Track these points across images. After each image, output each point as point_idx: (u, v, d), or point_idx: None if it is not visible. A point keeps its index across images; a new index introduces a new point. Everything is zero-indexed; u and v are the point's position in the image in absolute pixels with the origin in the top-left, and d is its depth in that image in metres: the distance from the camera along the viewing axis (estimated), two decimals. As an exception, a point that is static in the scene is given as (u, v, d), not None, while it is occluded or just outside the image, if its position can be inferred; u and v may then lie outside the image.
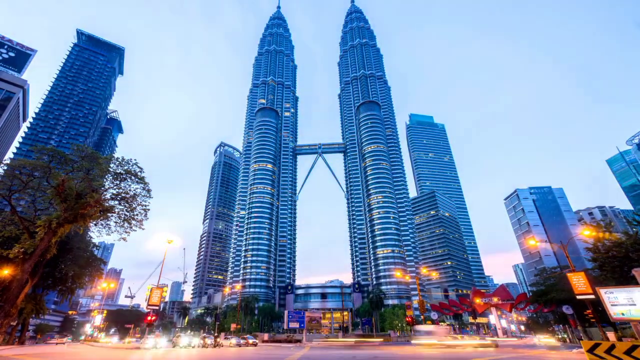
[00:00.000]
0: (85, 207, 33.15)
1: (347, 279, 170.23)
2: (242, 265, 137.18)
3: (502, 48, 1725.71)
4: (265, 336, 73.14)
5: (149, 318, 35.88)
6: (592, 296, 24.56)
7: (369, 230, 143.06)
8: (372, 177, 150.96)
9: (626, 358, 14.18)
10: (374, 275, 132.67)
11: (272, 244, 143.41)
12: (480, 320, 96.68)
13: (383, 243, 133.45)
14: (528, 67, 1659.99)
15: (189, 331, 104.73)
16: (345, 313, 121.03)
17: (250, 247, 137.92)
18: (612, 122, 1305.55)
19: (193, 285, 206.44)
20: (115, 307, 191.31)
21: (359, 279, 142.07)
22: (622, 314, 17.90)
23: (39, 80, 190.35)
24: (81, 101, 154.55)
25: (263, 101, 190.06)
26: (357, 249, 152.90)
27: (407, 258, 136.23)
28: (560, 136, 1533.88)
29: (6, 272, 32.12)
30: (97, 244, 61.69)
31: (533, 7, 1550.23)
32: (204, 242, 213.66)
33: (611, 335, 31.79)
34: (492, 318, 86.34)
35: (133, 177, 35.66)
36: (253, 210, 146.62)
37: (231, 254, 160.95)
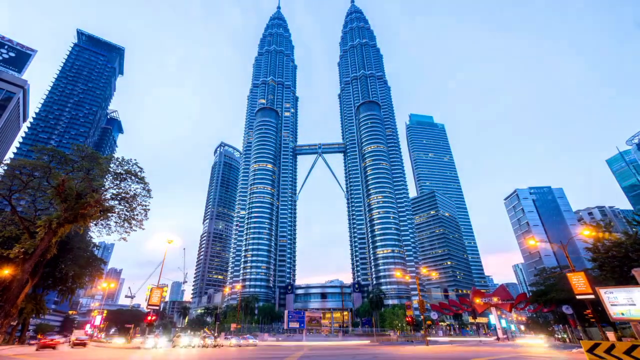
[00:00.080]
0: (85, 207, 33.16)
1: (347, 279, 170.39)
2: (242, 265, 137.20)
3: (502, 48, 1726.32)
4: (266, 336, 73.23)
5: (149, 318, 35.91)
6: (592, 296, 24.58)
7: (369, 230, 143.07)
8: (372, 177, 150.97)
9: (626, 358, 14.20)
10: (374, 275, 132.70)
11: (272, 244, 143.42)
12: (480, 320, 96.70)
13: (383, 243, 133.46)
14: (528, 67, 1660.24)
15: (189, 331, 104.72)
16: (345, 313, 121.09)
17: (250, 247, 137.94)
18: (612, 122, 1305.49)
19: (193, 285, 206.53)
20: (116, 307, 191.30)
21: (359, 279, 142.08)
22: (622, 314, 17.92)
23: (39, 80, 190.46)
24: (81, 101, 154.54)
25: (263, 101, 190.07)
26: (357, 248, 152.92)
27: (407, 258, 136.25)
28: (560, 136, 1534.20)
29: (6, 272, 32.14)
30: (97, 244, 61.71)
31: (533, 8, 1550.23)
32: (204, 242, 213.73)
33: (611, 335, 31.81)
34: (492, 318, 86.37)
35: (133, 177, 35.68)
36: (253, 210, 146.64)
37: (231, 254, 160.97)
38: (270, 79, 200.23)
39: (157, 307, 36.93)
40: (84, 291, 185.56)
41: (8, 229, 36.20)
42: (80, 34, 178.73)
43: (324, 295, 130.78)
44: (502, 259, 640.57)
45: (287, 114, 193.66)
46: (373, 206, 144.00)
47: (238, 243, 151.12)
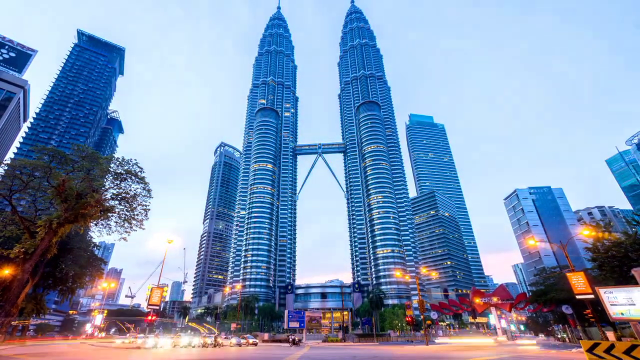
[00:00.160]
0: (85, 207, 33.21)
1: (347, 278, 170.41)
2: (242, 265, 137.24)
3: (502, 48, 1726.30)
4: (266, 336, 73.25)
5: (149, 318, 35.94)
6: (592, 296, 24.61)
7: (368, 230, 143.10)
8: (372, 177, 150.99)
9: (625, 358, 14.22)
10: (373, 275, 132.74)
11: (272, 244, 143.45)
12: (480, 320, 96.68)
13: (383, 243, 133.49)
14: (528, 68, 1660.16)
15: (189, 331, 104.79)
16: (345, 313, 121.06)
17: (250, 247, 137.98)
18: (612, 122, 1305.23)
19: (193, 285, 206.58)
20: (116, 306, 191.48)
21: (359, 278, 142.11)
22: (622, 314, 17.93)
23: (39, 80, 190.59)
24: (82, 101, 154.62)
25: (263, 101, 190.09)
26: (357, 248, 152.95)
27: (406, 258, 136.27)
28: (560, 136, 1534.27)
29: (7, 271, 32.19)
30: (97, 243, 61.80)
31: (533, 8, 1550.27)
32: (204, 242, 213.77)
33: (610, 335, 31.84)
34: (492, 318, 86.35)
35: (133, 177, 35.75)
36: (253, 210, 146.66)
37: (231, 253, 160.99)
38: (270, 79, 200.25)
39: (158, 307, 36.96)
40: (84, 291, 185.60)
41: (8, 229, 36.26)
42: (80, 34, 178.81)
43: (324, 295, 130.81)
44: (501, 259, 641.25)
45: (287, 114, 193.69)
46: (373, 206, 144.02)
47: (238, 243, 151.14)
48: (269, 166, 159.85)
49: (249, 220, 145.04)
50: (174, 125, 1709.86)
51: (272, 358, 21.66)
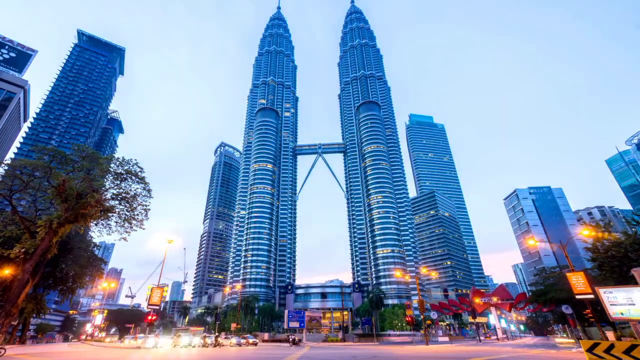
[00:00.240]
0: (85, 207, 33.18)
1: (347, 278, 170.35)
2: (242, 265, 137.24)
3: (502, 48, 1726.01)
4: (266, 336, 73.33)
5: (149, 318, 35.95)
6: (592, 296, 24.63)
7: (368, 230, 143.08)
8: (372, 177, 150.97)
9: (625, 357, 14.23)
10: (373, 275, 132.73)
11: (272, 244, 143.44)
12: (479, 319, 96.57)
13: (383, 243, 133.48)
14: (528, 68, 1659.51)
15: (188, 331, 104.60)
16: (345, 313, 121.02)
17: (250, 247, 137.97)
18: (612, 123, 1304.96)
19: (193, 285, 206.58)
20: (116, 306, 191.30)
21: (359, 278, 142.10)
22: (621, 314, 17.92)
23: (39, 80, 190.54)
24: (82, 101, 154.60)
25: (263, 101, 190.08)
26: (357, 248, 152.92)
27: (406, 258, 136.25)
28: (559, 136, 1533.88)
29: (7, 271, 32.21)
30: (97, 243, 61.80)
31: (533, 8, 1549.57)
32: (204, 242, 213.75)
33: (610, 335, 31.87)
34: (492, 318, 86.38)
35: (133, 177, 35.69)
36: (253, 210, 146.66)
37: (231, 253, 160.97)
38: (270, 79, 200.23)
39: (158, 307, 36.96)
40: (85, 291, 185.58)
41: (9, 229, 36.29)
42: (80, 34, 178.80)
43: (324, 295, 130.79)
44: (501, 259, 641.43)
45: (287, 114, 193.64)
46: (373, 206, 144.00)
47: (238, 243, 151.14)
48: (269, 166, 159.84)
49: (249, 220, 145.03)
50: (174, 126, 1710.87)
51: (272, 358, 21.68)
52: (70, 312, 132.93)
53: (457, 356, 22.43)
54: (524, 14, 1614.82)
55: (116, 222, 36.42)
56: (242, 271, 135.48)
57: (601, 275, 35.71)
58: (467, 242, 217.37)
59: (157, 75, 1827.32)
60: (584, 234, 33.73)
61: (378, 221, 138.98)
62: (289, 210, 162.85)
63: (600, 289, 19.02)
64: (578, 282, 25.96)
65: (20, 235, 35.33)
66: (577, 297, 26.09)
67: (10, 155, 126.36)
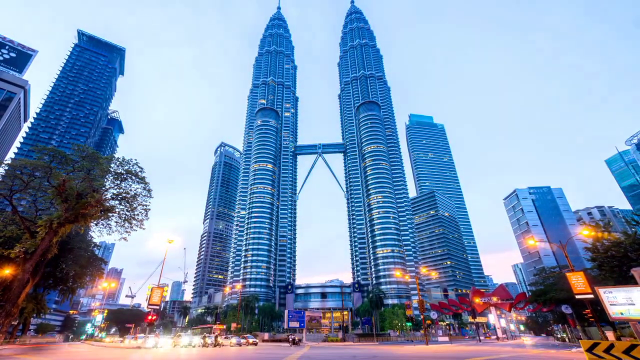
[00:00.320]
0: (86, 207, 33.18)
1: (347, 278, 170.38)
2: (242, 265, 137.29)
3: (502, 48, 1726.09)
4: (266, 335, 73.37)
5: (149, 317, 35.97)
6: (591, 296, 24.65)
7: (368, 230, 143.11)
8: (371, 177, 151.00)
9: (625, 357, 14.25)
10: (373, 275, 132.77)
11: (272, 244, 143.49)
12: (479, 319, 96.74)
13: (383, 243, 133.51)
14: (528, 67, 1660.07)
15: (189, 331, 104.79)
16: (345, 312, 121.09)
17: (250, 246, 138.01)
18: (611, 123, 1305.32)
19: (193, 285, 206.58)
20: (116, 306, 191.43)
21: (359, 278, 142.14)
22: (621, 314, 17.92)
23: (40, 80, 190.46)
24: (82, 101, 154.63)
25: (263, 101, 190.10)
26: (357, 248, 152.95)
27: (406, 258, 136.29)
28: (559, 136, 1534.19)
29: (7, 271, 32.24)
30: (97, 243, 61.78)
31: (533, 8, 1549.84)
32: (205, 241, 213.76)
33: (610, 335, 31.92)
34: (492, 317, 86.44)
35: (134, 177, 35.68)
36: (253, 210, 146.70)
37: (231, 253, 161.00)
38: (270, 80, 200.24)
39: (158, 307, 36.98)
40: (85, 291, 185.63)
41: (9, 229, 36.27)
42: (81, 34, 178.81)
43: (324, 295, 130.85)
44: (501, 259, 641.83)
45: (287, 114, 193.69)
46: (373, 206, 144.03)
47: (238, 243, 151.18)
48: (269, 166, 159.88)
49: (249, 220, 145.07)
50: (174, 126, 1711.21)
51: (272, 358, 21.70)
52: (71, 312, 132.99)
53: (457, 356, 22.46)
54: (524, 13, 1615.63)
55: (116, 222, 36.41)
56: (242, 271, 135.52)
57: (601, 275, 35.75)
58: (467, 242, 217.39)
59: (157, 75, 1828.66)
60: (584, 234, 33.77)
61: (378, 221, 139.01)
62: (289, 210, 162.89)
63: (600, 288, 19.03)
64: (578, 282, 25.98)
65: (21, 235, 35.34)
66: (577, 297, 26.12)
67: (10, 155, 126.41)
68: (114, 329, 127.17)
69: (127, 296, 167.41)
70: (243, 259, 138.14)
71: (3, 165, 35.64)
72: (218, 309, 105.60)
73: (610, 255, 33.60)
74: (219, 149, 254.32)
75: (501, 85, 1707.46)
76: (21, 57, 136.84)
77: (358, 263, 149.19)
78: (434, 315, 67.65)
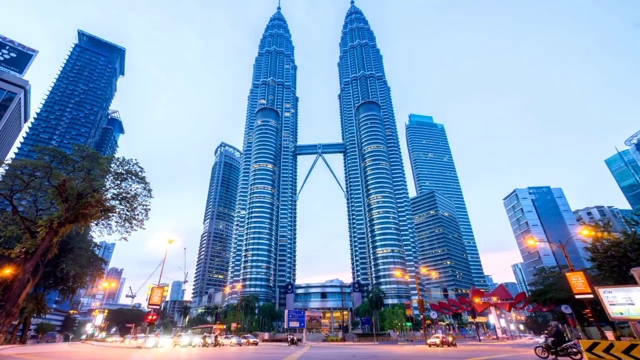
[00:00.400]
0: (86, 207, 33.23)
1: (347, 278, 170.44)
2: (242, 265, 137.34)
3: (502, 48, 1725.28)
4: (266, 335, 73.45)
5: (150, 317, 35.99)
6: (591, 295, 24.66)
7: (368, 230, 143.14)
8: (371, 177, 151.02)
9: (625, 357, 14.26)
10: (373, 275, 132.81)
11: (272, 244, 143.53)
12: (479, 319, 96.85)
13: (383, 243, 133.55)
14: (528, 67, 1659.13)
15: (189, 330, 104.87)
16: (345, 312, 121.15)
17: (250, 246, 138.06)
18: (611, 123, 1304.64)
19: (194, 285, 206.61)
20: (117, 306, 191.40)
21: (359, 278, 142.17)
22: (621, 314, 17.91)
23: (40, 80, 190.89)
24: (82, 101, 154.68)
25: (263, 101, 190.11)
26: (357, 248, 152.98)
27: (406, 258, 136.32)
28: (559, 136, 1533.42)
29: (8, 271, 32.26)
30: (98, 243, 61.89)
31: (533, 9, 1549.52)
32: (205, 241, 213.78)
33: (610, 335, 31.96)
34: (492, 317, 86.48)
35: (134, 177, 35.72)
36: (253, 210, 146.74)
37: (231, 253, 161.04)
38: (270, 80, 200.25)
39: (158, 307, 37.00)
40: (85, 291, 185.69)
41: (9, 229, 36.29)
42: (81, 34, 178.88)
43: (324, 295, 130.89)
44: (501, 259, 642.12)
45: (287, 114, 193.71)
46: (373, 206, 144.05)
47: (238, 243, 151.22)
48: (269, 166, 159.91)
49: (249, 220, 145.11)
50: (174, 126, 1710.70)
51: (273, 357, 21.74)
52: (71, 311, 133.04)
53: (457, 355, 22.49)
54: (524, 14, 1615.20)
55: (116, 222, 36.46)
56: (242, 271, 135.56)
57: (600, 275, 35.78)
58: (466, 242, 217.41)
59: (157, 76, 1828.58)
60: (584, 233, 33.78)
61: (378, 221, 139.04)
62: (289, 210, 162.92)
63: (600, 288, 19.05)
64: (577, 281, 25.98)
65: (21, 235, 35.38)
66: (577, 296, 26.11)
67: (11, 155, 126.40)
68: (114, 329, 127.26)
69: (127, 296, 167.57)
70: (243, 259, 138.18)
71: (3, 165, 35.69)
72: (218, 309, 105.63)
73: (609, 255, 33.64)
74: (219, 149, 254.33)
75: (501, 85, 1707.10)
76: (21, 58, 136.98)
77: (358, 263, 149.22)
78: (433, 315, 67.69)
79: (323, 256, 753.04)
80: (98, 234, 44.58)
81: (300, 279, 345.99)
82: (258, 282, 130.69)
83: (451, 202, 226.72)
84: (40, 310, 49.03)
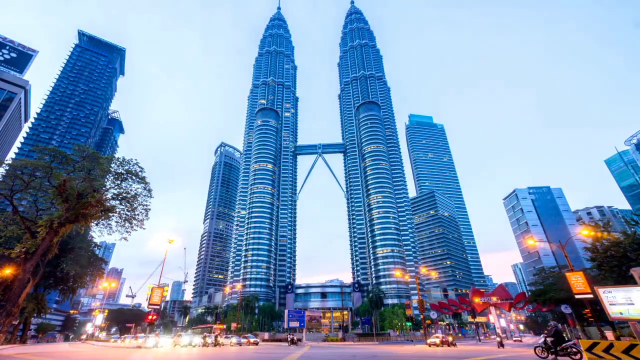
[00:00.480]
0: (86, 207, 33.26)
1: (347, 278, 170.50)
2: (242, 265, 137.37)
3: (502, 49, 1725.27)
4: (266, 335, 73.49)
5: (150, 317, 36.00)
6: (591, 295, 24.68)
7: (368, 230, 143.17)
8: (371, 177, 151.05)
9: (624, 357, 14.28)
10: (373, 275, 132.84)
11: (272, 244, 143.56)
12: (479, 319, 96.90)
13: (383, 243, 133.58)
14: (528, 67, 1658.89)
15: (189, 330, 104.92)
16: (345, 312, 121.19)
17: (250, 246, 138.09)
18: (611, 123, 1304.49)
19: (194, 285, 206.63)
20: (117, 306, 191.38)
21: (359, 278, 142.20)
22: (621, 313, 17.92)
23: (40, 80, 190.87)
24: (82, 101, 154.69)
25: (263, 101, 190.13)
26: (357, 248, 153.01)
27: (406, 258, 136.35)
28: (559, 136, 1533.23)
29: (8, 271, 32.28)
30: (98, 243, 61.90)
31: (533, 9, 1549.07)
32: (205, 241, 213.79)
33: (609, 334, 31.99)
34: (491, 317, 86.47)
35: (134, 177, 35.76)
36: (253, 210, 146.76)
37: (232, 253, 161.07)
38: (270, 80, 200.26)
39: (158, 307, 37.01)
40: (85, 290, 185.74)
41: (10, 229, 36.31)
42: (81, 34, 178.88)
43: (324, 295, 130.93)
44: (501, 259, 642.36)
45: (287, 114, 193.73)
46: (373, 206, 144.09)
47: (238, 243, 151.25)
48: (269, 166, 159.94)
49: (249, 220, 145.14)
50: (175, 126, 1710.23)
51: (273, 357, 21.76)
52: (71, 311, 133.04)
53: (457, 355, 22.53)
54: (524, 14, 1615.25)
55: (117, 222, 36.49)
56: (242, 271, 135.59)
57: (600, 275, 35.80)
58: (466, 242, 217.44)
59: (157, 76, 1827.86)
60: (583, 233, 33.80)
61: (378, 221, 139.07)
62: (289, 210, 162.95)
63: (600, 288, 19.07)
64: (577, 281, 25.99)
65: (21, 235, 35.41)
66: (577, 296, 26.13)
67: (11, 155, 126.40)
68: (114, 329, 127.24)
69: (127, 296, 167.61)
70: (243, 259, 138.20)
71: (4, 165, 35.73)
72: (218, 309, 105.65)
73: (609, 255, 33.66)
74: (219, 149, 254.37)
75: (501, 85, 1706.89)
76: (22, 58, 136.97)
77: (358, 263, 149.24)
78: (433, 315, 67.75)
79: (323, 256, 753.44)
80: (98, 234, 44.62)
81: (300, 279, 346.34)
82: (258, 282, 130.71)
83: (451, 202, 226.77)
84: (40, 310, 49.03)
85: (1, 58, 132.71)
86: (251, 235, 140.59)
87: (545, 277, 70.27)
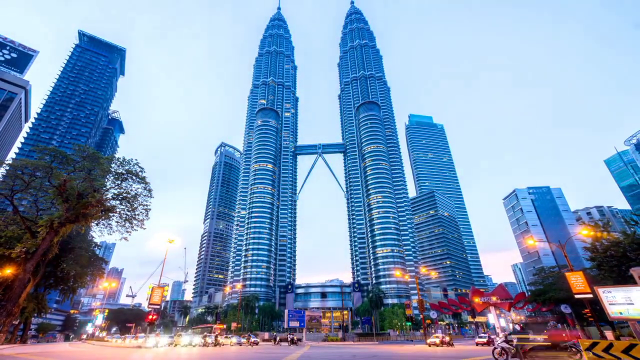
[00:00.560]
0: (86, 207, 33.32)
1: (347, 278, 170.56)
2: (242, 265, 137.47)
3: (502, 49, 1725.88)
4: (266, 335, 73.54)
5: (150, 317, 36.05)
6: (590, 295, 24.72)
7: (368, 230, 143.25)
8: (371, 177, 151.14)
9: (624, 357, 14.29)
10: (373, 275, 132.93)
11: (273, 244, 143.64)
12: (479, 319, 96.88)
13: (382, 243, 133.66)
14: (528, 67, 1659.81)
15: (189, 330, 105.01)
16: (345, 312, 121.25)
17: (250, 246, 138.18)
18: (611, 123, 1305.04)
19: (194, 285, 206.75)
20: (117, 306, 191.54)
21: (359, 278, 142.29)
22: (620, 313, 17.94)
23: (40, 81, 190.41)
24: (83, 102, 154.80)
25: (263, 102, 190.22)
26: (356, 248, 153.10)
27: (406, 257, 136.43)
28: (558, 136, 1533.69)
29: (8, 271, 32.34)
30: (98, 243, 61.96)
31: (533, 9, 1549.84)
32: (205, 241, 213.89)
33: (609, 334, 32.03)
34: (491, 317, 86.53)
35: (134, 177, 35.84)
36: (253, 210, 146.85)
37: (232, 253, 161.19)
38: (270, 80, 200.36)
39: (158, 307, 37.06)
40: (86, 290, 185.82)
41: (10, 229, 36.40)
42: (81, 34, 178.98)
43: (324, 295, 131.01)
44: (501, 259, 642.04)
45: (287, 114, 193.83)
46: (373, 206, 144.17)
47: (238, 243, 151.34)
48: (269, 166, 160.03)
49: (249, 220, 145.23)
50: (175, 125, 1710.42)
51: (273, 357, 21.81)
52: (72, 311, 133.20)
53: (457, 355, 22.58)
54: (524, 14, 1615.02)
55: (117, 222, 36.56)
56: (242, 271, 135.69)
57: (600, 274, 35.85)
58: (466, 242, 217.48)
59: (157, 76, 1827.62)
60: (583, 233, 33.85)
61: (378, 221, 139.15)
62: (289, 210, 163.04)
63: (599, 288, 19.08)
64: (577, 281, 26.02)
65: (22, 235, 35.46)
66: (576, 296, 26.16)
67: (11, 155, 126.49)
68: (114, 329, 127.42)
69: (127, 296, 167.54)
70: (243, 259, 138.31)
71: (4, 165, 35.81)
72: (218, 309, 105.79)
73: (609, 255, 33.73)
74: (219, 149, 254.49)
75: (501, 85, 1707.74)
76: (22, 58, 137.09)
77: (358, 263, 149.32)
78: (433, 314, 67.85)
79: (323, 256, 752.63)
80: (98, 233, 44.62)
81: (300, 279, 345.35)
82: (258, 282, 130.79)
83: (451, 202, 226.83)
84: (40, 310, 49.10)
85: (1, 58, 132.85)
86: (251, 235, 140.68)
87: (545, 277, 70.26)
